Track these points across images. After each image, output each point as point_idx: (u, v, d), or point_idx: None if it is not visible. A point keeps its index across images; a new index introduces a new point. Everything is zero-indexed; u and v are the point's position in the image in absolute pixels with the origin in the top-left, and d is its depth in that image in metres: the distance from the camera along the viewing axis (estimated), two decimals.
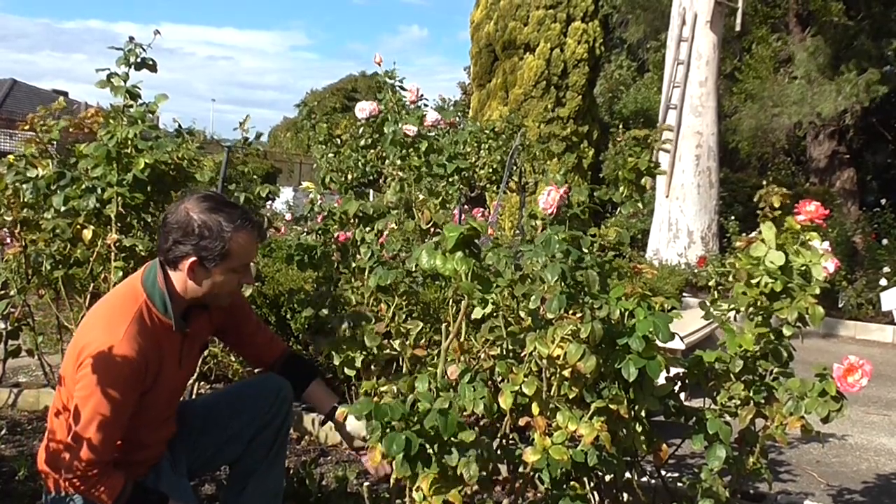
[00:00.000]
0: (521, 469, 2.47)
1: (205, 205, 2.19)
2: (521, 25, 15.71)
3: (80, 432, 2.03)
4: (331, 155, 6.32)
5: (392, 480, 2.34)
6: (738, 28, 12.58)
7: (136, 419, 2.14)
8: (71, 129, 3.51)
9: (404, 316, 3.35)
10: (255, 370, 2.81)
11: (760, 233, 2.59)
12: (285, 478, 2.80)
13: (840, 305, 9.87)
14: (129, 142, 3.20)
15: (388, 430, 2.06)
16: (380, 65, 4.09)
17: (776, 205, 2.65)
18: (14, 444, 3.55)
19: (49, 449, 2.18)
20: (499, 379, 2.41)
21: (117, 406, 2.04)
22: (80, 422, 2.03)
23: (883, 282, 9.67)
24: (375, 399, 2.20)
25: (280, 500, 2.64)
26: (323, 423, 2.60)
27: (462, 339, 2.62)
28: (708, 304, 2.81)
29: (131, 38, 3.28)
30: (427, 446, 2.10)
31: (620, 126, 3.60)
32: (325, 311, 3.25)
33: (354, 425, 2.58)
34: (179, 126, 4.17)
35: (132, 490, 2.11)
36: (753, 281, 2.52)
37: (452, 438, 2.13)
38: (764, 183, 2.78)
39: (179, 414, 2.41)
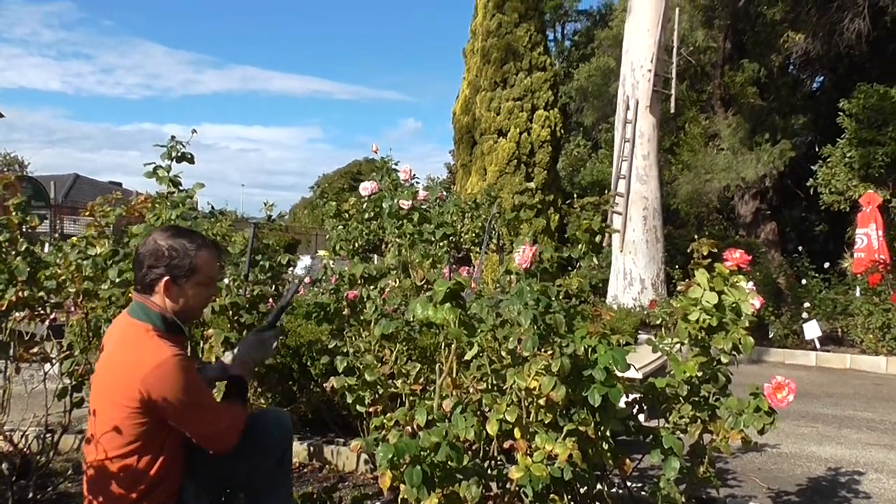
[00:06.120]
0: (508, 486, 2.44)
1: (168, 233, 2.19)
2: (494, 115, 15.99)
3: (211, 418, 2.10)
4: (340, 227, 6.35)
5: (399, 500, 2.30)
6: (672, 111, 12.82)
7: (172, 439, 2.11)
8: (124, 214, 3.53)
9: (405, 359, 3.33)
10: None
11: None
12: (310, 502, 2.75)
13: (770, 336, 9.86)
14: (172, 222, 3.22)
15: (403, 463, 2.04)
16: (376, 153, 4.21)
17: (704, 252, 2.67)
18: (78, 482, 3.49)
19: (97, 474, 2.18)
20: (486, 409, 2.40)
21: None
22: (203, 416, 2.09)
23: (805, 315, 9.70)
24: (386, 435, 2.19)
25: None
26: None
27: (454, 376, 2.61)
28: (654, 339, 2.81)
29: (173, 137, 3.32)
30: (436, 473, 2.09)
31: (575, 196, 3.65)
32: (339, 359, 3.23)
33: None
34: (212, 208, 4.23)
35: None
36: (691, 318, 2.53)
37: (451, 463, 2.11)
38: (695, 237, 2.81)
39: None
